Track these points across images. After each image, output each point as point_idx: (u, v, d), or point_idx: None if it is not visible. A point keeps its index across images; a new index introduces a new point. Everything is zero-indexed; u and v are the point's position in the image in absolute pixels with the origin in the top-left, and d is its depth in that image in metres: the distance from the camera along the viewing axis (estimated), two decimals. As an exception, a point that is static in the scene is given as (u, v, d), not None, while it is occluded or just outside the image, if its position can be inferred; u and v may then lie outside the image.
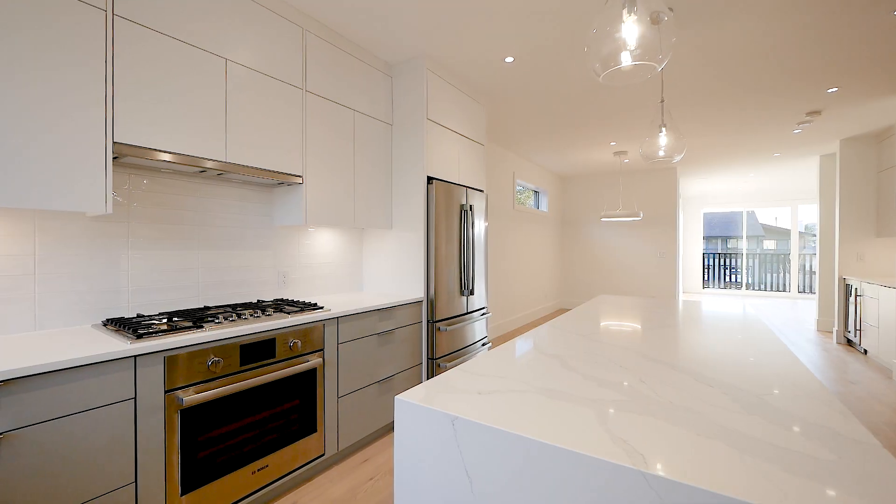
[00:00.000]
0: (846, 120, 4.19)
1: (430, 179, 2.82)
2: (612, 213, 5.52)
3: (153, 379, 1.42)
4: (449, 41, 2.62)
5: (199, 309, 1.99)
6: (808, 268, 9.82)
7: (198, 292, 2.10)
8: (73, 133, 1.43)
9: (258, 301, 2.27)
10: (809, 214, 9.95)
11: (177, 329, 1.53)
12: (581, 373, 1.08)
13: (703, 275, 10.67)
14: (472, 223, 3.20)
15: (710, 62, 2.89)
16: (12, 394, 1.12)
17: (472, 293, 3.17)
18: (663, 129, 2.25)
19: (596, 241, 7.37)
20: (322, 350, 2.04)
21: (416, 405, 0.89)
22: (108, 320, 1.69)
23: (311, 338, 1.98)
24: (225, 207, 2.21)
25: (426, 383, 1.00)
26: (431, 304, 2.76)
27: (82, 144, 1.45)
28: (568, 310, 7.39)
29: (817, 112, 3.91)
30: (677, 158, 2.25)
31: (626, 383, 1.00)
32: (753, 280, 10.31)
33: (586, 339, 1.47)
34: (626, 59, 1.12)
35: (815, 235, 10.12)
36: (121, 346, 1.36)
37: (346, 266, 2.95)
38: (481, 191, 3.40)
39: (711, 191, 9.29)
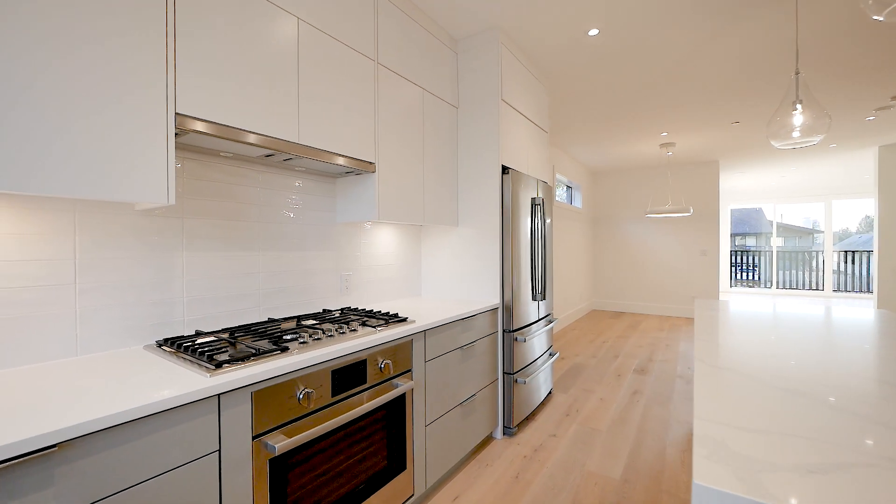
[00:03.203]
0: (927, 105, 3.85)
1: (504, 169, 2.48)
2: (659, 208, 5.17)
3: (240, 422, 1.08)
4: (526, 10, 2.27)
5: (264, 323, 1.65)
6: (840, 266, 9.48)
7: (258, 302, 1.76)
8: (128, 103, 1.09)
9: (324, 311, 1.92)
10: (832, 211, 9.61)
11: (260, 354, 1.19)
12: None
13: (731, 273, 10.34)
14: (544, 219, 2.86)
15: (786, 43, 2.54)
16: (70, 461, 0.78)
17: (543, 298, 2.83)
18: (798, 105, 1.91)
19: (630, 239, 7.02)
20: (410, 371, 1.71)
21: (748, 501, 0.55)
22: (164, 340, 1.35)
23: (399, 357, 1.64)
24: (286, 201, 1.87)
25: (711, 455, 0.66)
26: (509, 312, 2.42)
27: (139, 116, 1.11)
28: (602, 312, 7.03)
29: (905, 96, 3.57)
30: (816, 139, 1.91)
31: None
32: (776, 278, 9.98)
33: (816, 367, 1.13)
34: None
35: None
36: (199, 380, 1.02)
37: (405, 268, 2.61)
38: (546, 182, 3.06)
39: (740, 186, 8.94)
